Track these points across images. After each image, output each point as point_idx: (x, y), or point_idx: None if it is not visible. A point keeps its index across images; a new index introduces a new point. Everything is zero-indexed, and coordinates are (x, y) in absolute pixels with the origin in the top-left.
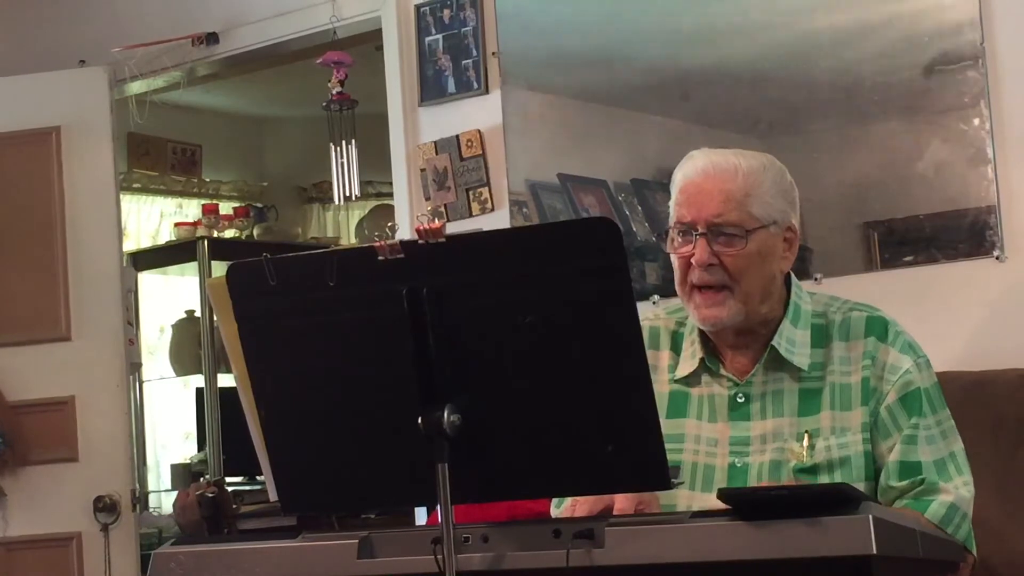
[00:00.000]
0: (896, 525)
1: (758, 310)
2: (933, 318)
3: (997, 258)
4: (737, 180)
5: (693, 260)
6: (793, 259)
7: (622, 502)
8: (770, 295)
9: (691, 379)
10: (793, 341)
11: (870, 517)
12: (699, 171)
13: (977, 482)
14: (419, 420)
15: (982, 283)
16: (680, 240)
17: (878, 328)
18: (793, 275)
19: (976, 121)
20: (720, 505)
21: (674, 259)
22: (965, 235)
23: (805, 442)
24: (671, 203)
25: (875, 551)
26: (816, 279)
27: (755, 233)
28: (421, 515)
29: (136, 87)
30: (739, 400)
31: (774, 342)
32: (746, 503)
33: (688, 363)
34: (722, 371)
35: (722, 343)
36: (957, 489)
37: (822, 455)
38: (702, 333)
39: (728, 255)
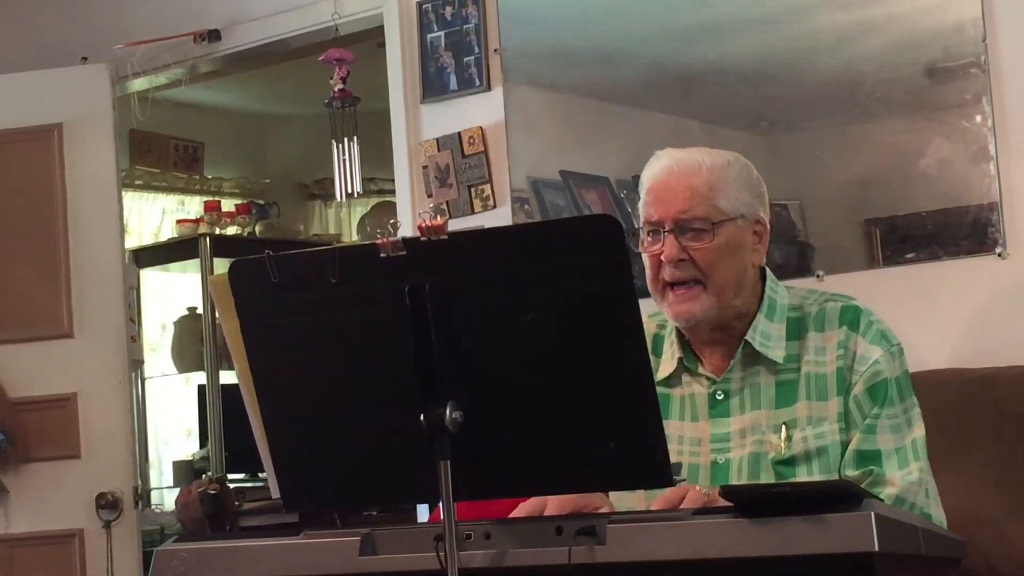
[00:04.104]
0: (898, 522)
1: (731, 303)
2: (935, 315)
3: (999, 255)
4: (702, 175)
5: (663, 257)
6: (764, 252)
7: (554, 504)
8: (743, 288)
9: (672, 380)
10: (768, 335)
11: (872, 514)
12: (664, 170)
13: (978, 479)
14: (421, 417)
15: (984, 280)
16: (649, 239)
17: (851, 317)
18: (768, 269)
19: (978, 118)
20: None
21: (645, 259)
22: (967, 232)
23: (783, 434)
24: (640, 204)
25: (877, 548)
26: (818, 276)
27: (722, 226)
28: (423, 512)
29: (138, 84)
30: (718, 397)
31: (748, 337)
32: (748, 500)
33: (668, 364)
34: (700, 370)
35: (698, 340)
36: (909, 475)
37: (799, 446)
38: (680, 334)
39: (696, 249)
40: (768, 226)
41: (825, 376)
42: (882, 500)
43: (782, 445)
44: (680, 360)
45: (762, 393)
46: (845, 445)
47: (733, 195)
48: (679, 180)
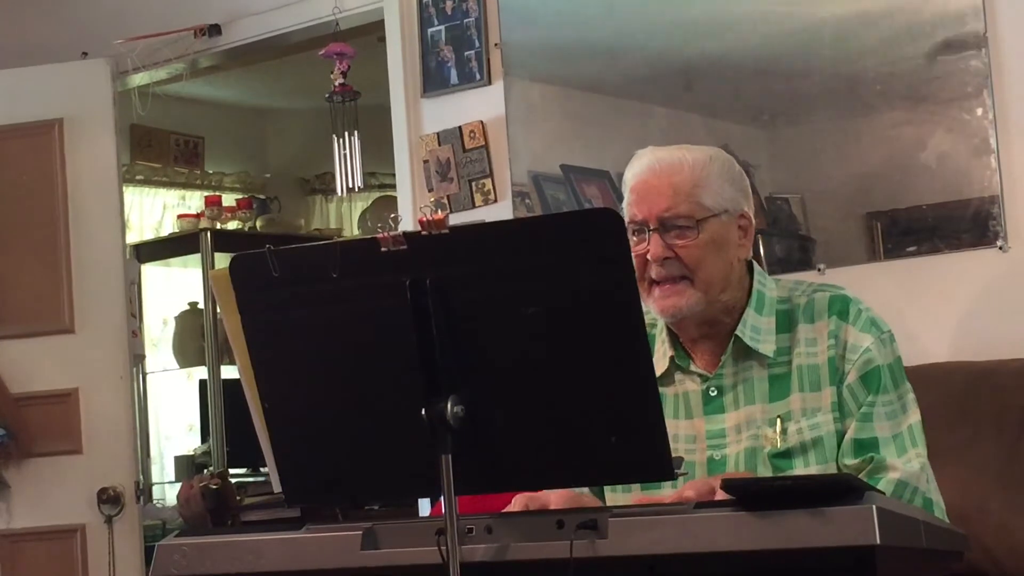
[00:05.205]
0: (900, 515)
1: (718, 298)
2: (936, 308)
3: (1000, 248)
4: (683, 173)
5: (648, 256)
6: (750, 246)
7: (557, 500)
8: (730, 283)
9: (664, 379)
10: (758, 329)
11: (873, 507)
12: (646, 169)
13: (980, 472)
14: (423, 411)
15: (985, 273)
16: (635, 239)
17: (840, 307)
18: (756, 263)
19: (979, 111)
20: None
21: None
22: (968, 225)
23: (778, 427)
24: (624, 204)
25: (878, 541)
26: (819, 269)
27: (706, 222)
28: (425, 506)
29: (138, 79)
30: (711, 394)
31: (738, 332)
32: (750, 494)
33: (660, 363)
34: (692, 367)
35: (687, 337)
36: (909, 462)
37: (795, 438)
38: (671, 332)
39: (682, 247)
40: (753, 220)
41: (817, 367)
42: (881, 492)
43: (777, 439)
44: (672, 358)
45: (755, 387)
46: (840, 435)
47: (716, 191)
48: (661, 179)
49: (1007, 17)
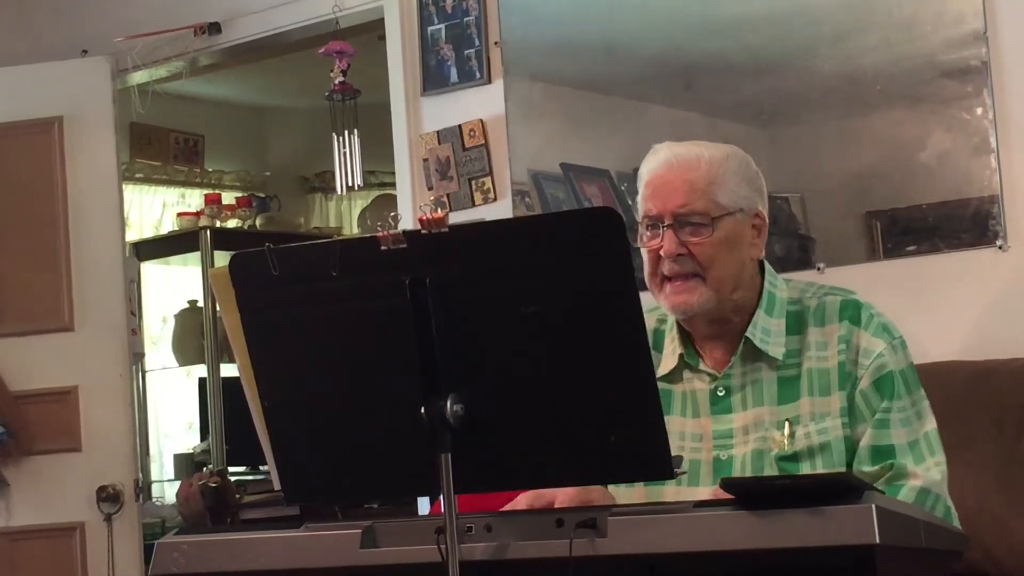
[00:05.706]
0: (899, 515)
1: (730, 297)
2: (936, 308)
3: (1000, 247)
4: (700, 169)
5: (662, 252)
6: (763, 245)
7: (564, 497)
8: (742, 282)
9: (673, 376)
10: (768, 331)
11: (873, 507)
12: (662, 164)
13: (980, 472)
14: (422, 410)
15: (985, 273)
16: (648, 234)
17: (852, 311)
18: (767, 263)
19: (979, 110)
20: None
21: (644, 253)
22: (968, 224)
23: (786, 430)
24: (638, 198)
25: (878, 540)
26: (819, 268)
27: (721, 220)
28: (424, 505)
29: (138, 77)
30: (719, 393)
31: (748, 333)
32: (749, 493)
33: (668, 360)
34: (701, 366)
35: (698, 335)
36: (928, 471)
37: (802, 442)
38: (681, 330)
39: (696, 244)
40: (767, 219)
41: (827, 371)
42: (883, 492)
43: (785, 442)
44: (681, 356)
45: (764, 389)
46: (848, 440)
47: (732, 189)
48: (677, 174)
49: (1007, 16)
